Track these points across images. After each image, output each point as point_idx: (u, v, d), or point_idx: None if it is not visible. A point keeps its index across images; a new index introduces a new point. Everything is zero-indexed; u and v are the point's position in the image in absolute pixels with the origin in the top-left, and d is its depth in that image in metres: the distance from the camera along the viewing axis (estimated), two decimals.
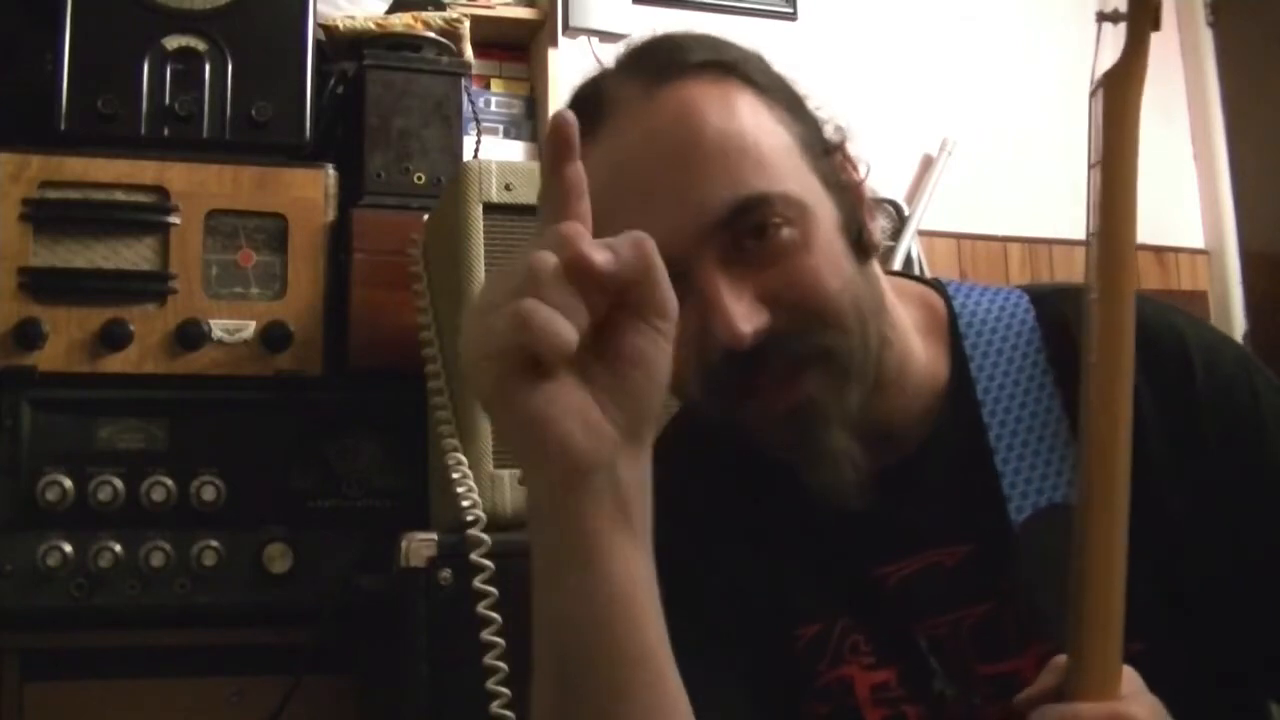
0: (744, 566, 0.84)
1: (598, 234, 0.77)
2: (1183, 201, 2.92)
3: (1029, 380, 0.82)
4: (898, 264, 2.41)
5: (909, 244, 2.46)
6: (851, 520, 0.79)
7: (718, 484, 0.86)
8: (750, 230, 0.74)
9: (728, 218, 0.73)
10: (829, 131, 0.82)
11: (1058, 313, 0.84)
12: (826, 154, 0.80)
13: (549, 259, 0.58)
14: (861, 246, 0.79)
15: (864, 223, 0.80)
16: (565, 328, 0.57)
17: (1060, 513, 0.75)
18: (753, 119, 0.76)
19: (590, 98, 0.79)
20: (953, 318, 0.87)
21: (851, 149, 0.83)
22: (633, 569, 0.62)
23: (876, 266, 0.82)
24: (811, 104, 0.82)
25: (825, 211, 0.77)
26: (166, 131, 1.60)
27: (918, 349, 0.84)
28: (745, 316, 0.73)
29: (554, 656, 0.64)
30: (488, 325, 0.58)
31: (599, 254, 0.58)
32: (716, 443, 0.86)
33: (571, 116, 0.61)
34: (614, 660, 0.62)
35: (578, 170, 0.61)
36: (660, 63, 0.77)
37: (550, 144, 0.61)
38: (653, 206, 0.73)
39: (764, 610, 0.83)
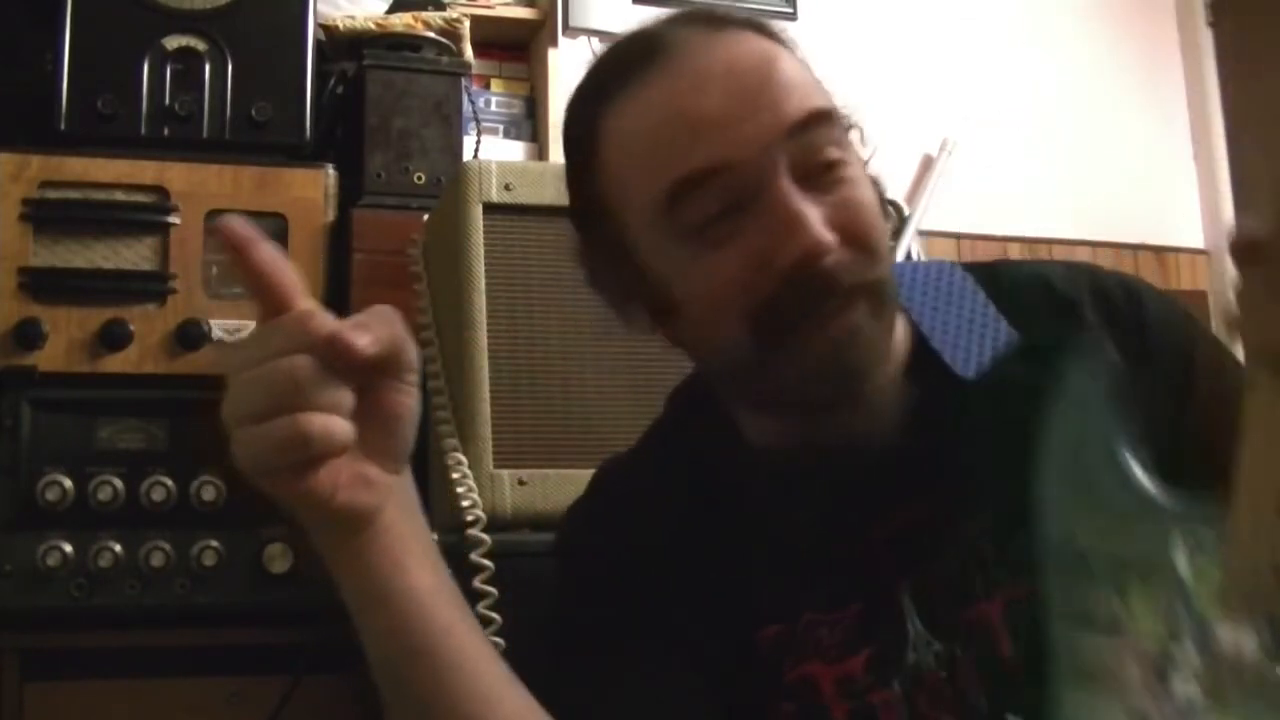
0: (700, 580, 0.84)
1: (647, 169, 0.77)
2: (1183, 201, 2.92)
3: (981, 320, 0.84)
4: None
5: (909, 244, 2.46)
6: (817, 497, 0.81)
7: (671, 504, 0.87)
8: (818, 161, 0.76)
9: (804, 121, 0.75)
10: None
11: (1006, 278, 0.88)
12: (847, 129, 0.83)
13: (304, 363, 0.59)
14: None
15: None
16: (341, 427, 0.60)
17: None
18: (806, 70, 0.80)
19: (642, 39, 0.80)
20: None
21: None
22: (424, 580, 0.68)
23: None
24: None
25: (860, 160, 0.80)
26: (166, 131, 1.60)
27: None
28: (825, 228, 0.74)
29: (392, 690, 0.71)
30: (260, 439, 0.60)
31: (360, 338, 0.60)
32: (672, 465, 0.88)
33: (231, 219, 0.61)
34: (436, 671, 0.69)
35: (269, 251, 0.62)
36: (711, 17, 0.80)
37: (227, 244, 0.61)
38: (729, 116, 0.74)
39: (725, 619, 0.83)
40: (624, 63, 0.80)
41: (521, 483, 1.28)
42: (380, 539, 0.66)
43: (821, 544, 0.81)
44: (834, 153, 0.76)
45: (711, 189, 0.74)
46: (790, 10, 2.64)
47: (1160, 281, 2.80)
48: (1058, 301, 0.84)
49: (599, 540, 0.90)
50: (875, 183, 0.81)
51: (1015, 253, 2.73)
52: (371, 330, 0.61)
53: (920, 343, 0.84)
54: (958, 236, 2.69)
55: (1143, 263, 2.82)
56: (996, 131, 2.75)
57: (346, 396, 0.61)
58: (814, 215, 0.73)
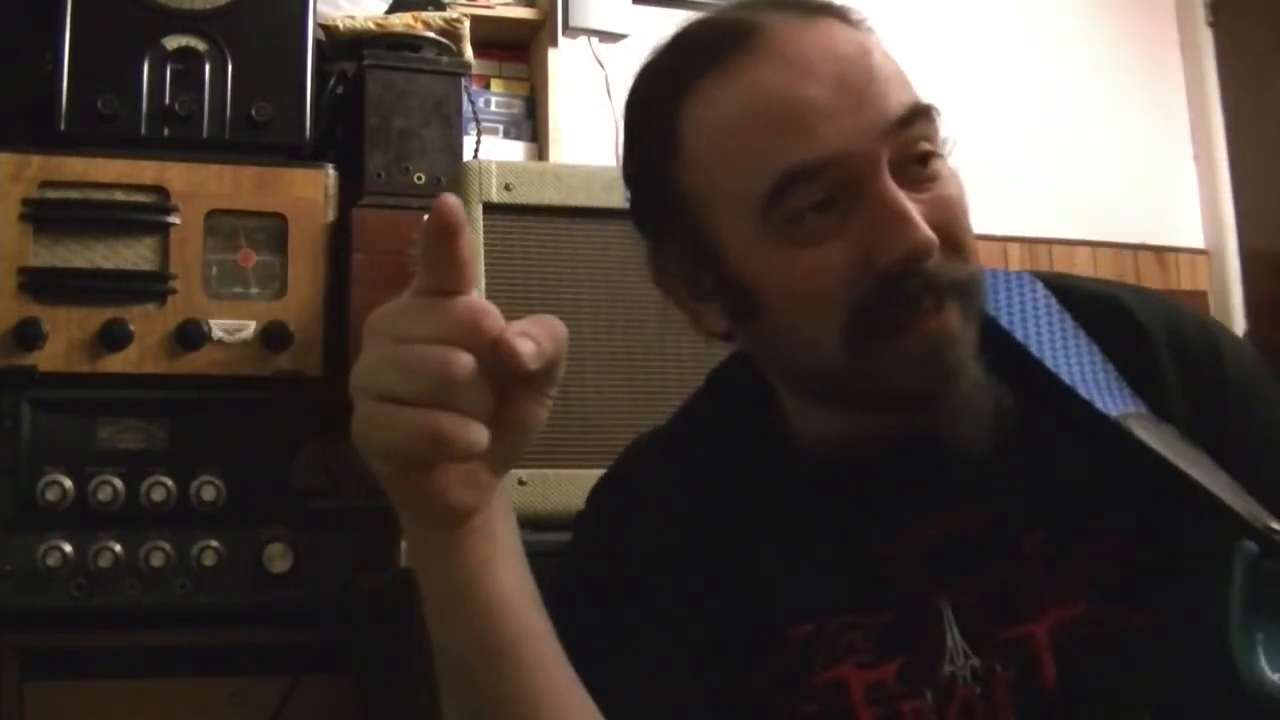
0: (719, 572, 0.83)
1: (748, 160, 0.74)
2: (1183, 201, 2.92)
3: (1063, 332, 0.83)
4: None
5: None
6: (862, 497, 0.79)
7: (695, 491, 0.85)
8: (915, 155, 0.75)
9: (907, 116, 0.74)
10: None
11: (1076, 293, 0.85)
12: None
13: (466, 361, 0.58)
14: None
15: None
16: (480, 434, 0.59)
17: (1146, 419, 0.76)
18: (895, 61, 0.78)
19: (725, 24, 0.77)
20: None
21: None
22: (509, 580, 0.67)
23: None
24: None
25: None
26: (166, 131, 1.60)
27: None
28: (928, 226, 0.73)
29: (459, 686, 0.70)
30: (394, 424, 0.58)
31: (525, 348, 0.58)
32: (707, 451, 0.86)
33: (454, 199, 0.59)
34: (511, 671, 0.68)
35: (469, 242, 0.60)
36: (799, 3, 0.78)
37: (438, 220, 0.59)
38: (838, 107, 0.73)
39: (745, 613, 0.81)
40: (708, 48, 0.76)
41: (521, 483, 1.28)
42: (473, 536, 0.65)
43: (860, 543, 0.80)
44: (928, 147, 0.76)
45: (818, 182, 0.72)
46: None
47: (1160, 282, 2.79)
48: (1133, 329, 0.82)
49: (610, 534, 0.88)
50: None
51: (1015, 253, 2.73)
52: (537, 342, 0.59)
53: (998, 350, 0.81)
54: None
55: (1143, 263, 2.82)
56: (996, 131, 2.74)
57: (491, 403, 0.59)
58: (920, 214, 0.72)
